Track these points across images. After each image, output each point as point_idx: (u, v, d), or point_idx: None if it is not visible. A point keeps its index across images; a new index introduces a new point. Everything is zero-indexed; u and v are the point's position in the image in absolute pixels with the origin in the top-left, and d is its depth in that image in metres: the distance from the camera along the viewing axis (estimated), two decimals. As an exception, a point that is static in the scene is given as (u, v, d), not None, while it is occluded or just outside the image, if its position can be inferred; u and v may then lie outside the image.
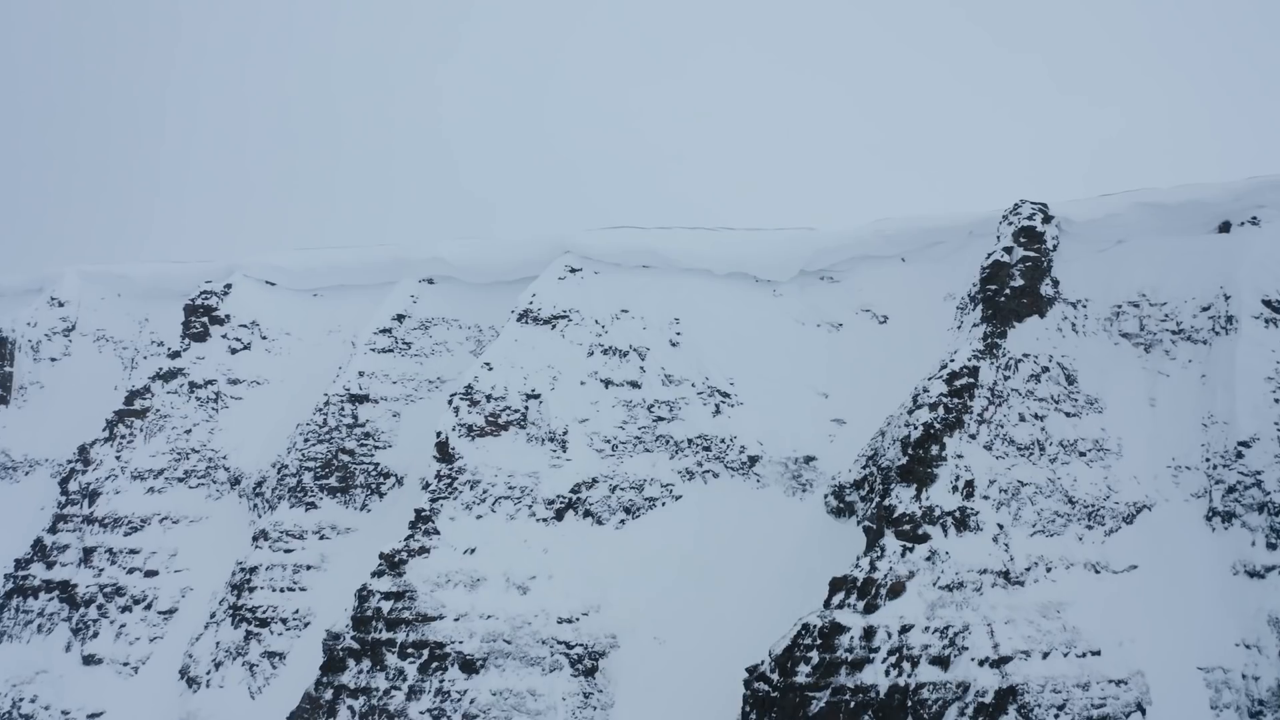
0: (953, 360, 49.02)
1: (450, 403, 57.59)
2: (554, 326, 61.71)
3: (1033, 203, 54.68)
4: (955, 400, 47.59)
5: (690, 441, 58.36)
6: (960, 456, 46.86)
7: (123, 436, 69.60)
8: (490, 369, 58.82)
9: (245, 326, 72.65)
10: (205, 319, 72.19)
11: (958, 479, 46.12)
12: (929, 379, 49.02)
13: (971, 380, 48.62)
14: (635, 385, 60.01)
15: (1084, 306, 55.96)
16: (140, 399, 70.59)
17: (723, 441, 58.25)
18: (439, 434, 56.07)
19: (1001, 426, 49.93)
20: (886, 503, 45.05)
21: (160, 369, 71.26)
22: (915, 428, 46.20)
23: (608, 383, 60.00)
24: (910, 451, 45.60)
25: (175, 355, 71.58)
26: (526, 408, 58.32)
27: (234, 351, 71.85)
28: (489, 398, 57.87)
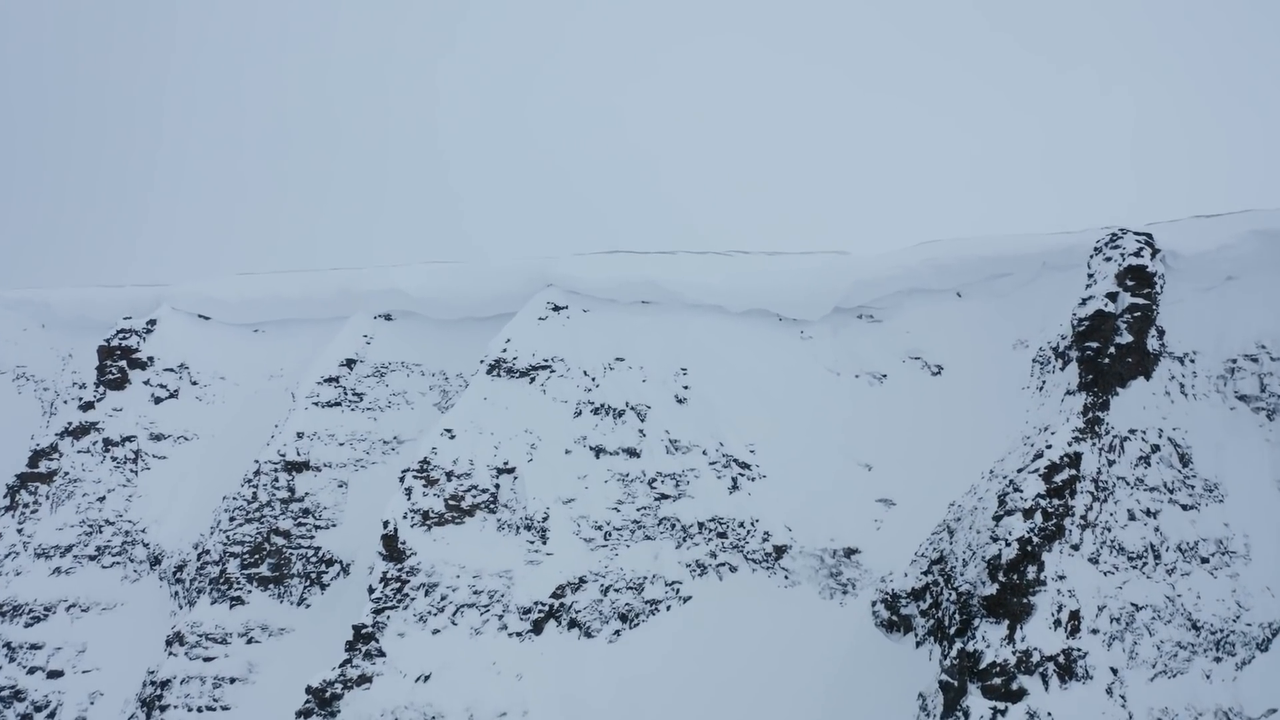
0: (1048, 445, 37.43)
1: (402, 481, 46.16)
2: (533, 380, 50.21)
3: (1136, 233, 42.95)
4: (1056, 501, 36.07)
5: (701, 526, 46.94)
6: (1062, 577, 35.45)
7: (25, 505, 58.32)
8: (451, 437, 47.34)
9: (172, 370, 61.22)
10: (124, 363, 60.76)
11: (1060, 609, 34.76)
12: (1019, 471, 37.42)
13: (1074, 472, 37.10)
14: (633, 454, 48.55)
15: (1192, 362, 44.27)
16: (46, 459, 59.30)
17: (741, 526, 46.80)
18: (386, 523, 44.69)
19: (1108, 530, 38.45)
20: (970, 647, 33.66)
21: (70, 423, 59.88)
22: (1006, 543, 34.66)
23: (599, 451, 48.53)
24: (1001, 578, 34.10)
25: (88, 406, 60.16)
26: (497, 486, 46.88)
27: (158, 401, 60.44)
28: (450, 474, 46.41)
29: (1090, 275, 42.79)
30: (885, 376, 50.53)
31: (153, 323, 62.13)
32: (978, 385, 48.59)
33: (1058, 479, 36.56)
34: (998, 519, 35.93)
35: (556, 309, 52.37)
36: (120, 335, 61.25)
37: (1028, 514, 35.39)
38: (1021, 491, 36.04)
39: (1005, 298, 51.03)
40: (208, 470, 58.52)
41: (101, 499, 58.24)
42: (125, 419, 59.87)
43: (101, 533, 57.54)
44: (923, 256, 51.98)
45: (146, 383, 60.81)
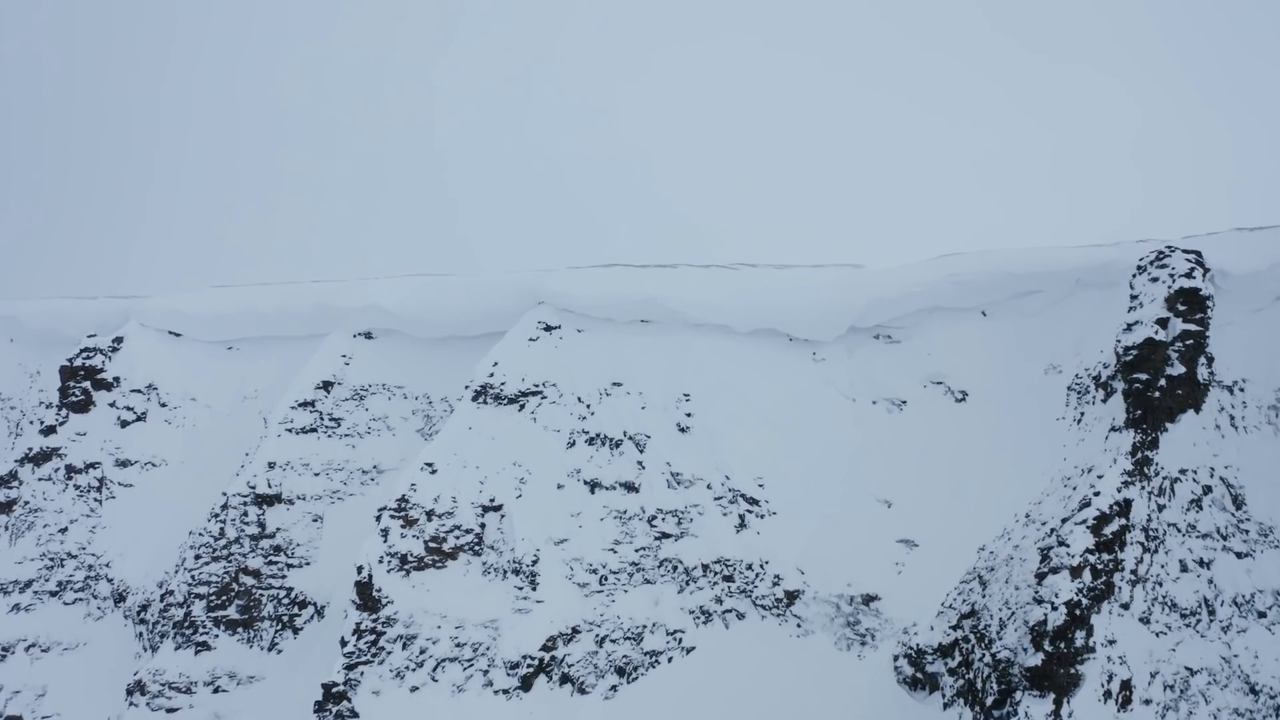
0: (1095, 492, 33.47)
1: (378, 520, 42.25)
2: (522, 407, 46.27)
3: (1185, 251, 38.91)
4: (1105, 556, 32.14)
5: (706, 568, 43.02)
6: (1112, 642, 31.58)
7: (-19, 536, 54.51)
8: (432, 472, 43.41)
9: (140, 391, 57.31)
10: (88, 384, 56.85)
11: (1110, 679, 30.89)
12: (1063, 521, 33.47)
13: (1124, 521, 33.17)
14: (631, 488, 44.63)
15: (1242, 391, 40.33)
16: (6, 488, 55.53)
17: (749, 568, 42.88)
18: (360, 569, 40.77)
19: (1160, 584, 34.54)
20: (1010, 727, 29.78)
21: (30, 449, 56.02)
22: (1052, 606, 30.72)
23: (594, 485, 44.61)
24: (1047, 646, 30.18)
25: (49, 431, 56.24)
26: (483, 525, 42.97)
27: (124, 424, 56.53)
28: (430, 514, 42.49)
29: (1134, 297, 38.80)
30: (905, 403, 46.57)
31: (119, 340, 58.23)
32: (1006, 414, 44.65)
33: (1107, 531, 32.63)
34: (1040, 577, 31.97)
35: (548, 329, 48.41)
36: (84, 354, 57.36)
37: (1075, 572, 31.45)
38: (1068, 546, 32.08)
39: (1034, 317, 47.09)
40: (176, 500, 54.58)
41: (63, 530, 54.41)
42: (89, 444, 56.01)
43: (63, 567, 53.71)
44: (944, 272, 47.99)
45: (112, 405, 56.93)
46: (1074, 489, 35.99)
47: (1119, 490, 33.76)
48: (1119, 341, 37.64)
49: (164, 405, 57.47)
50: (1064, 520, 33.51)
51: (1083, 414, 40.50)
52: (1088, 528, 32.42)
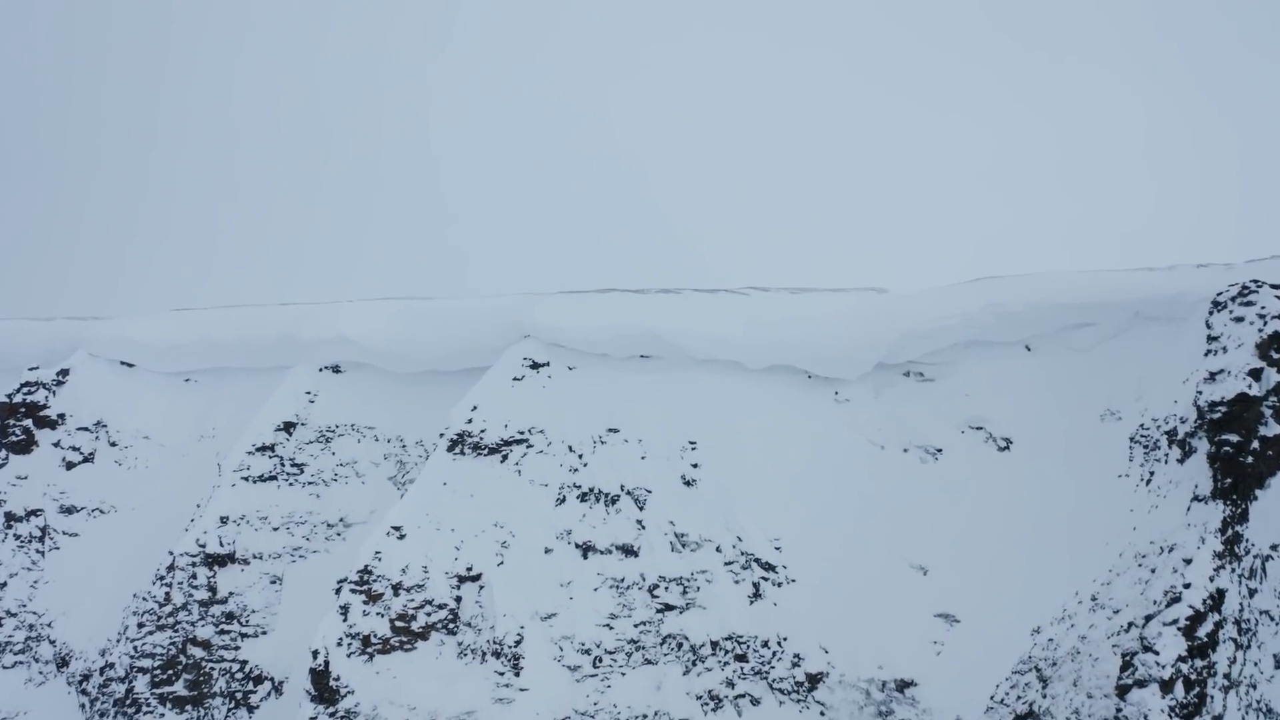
0: (1185, 583, 27.91)
1: (337, 595, 36.79)
2: (505, 458, 40.77)
3: (1274, 286, 33.29)
4: (1199, 663, 26.62)
5: (715, 646, 37.51)
6: (1208, 770, 26.07)
7: (-89, 591, 49.08)
8: (401, 537, 37.92)
9: (87, 430, 51.82)
10: (29, 422, 51.40)
11: (1208, 817, 25.37)
12: (1147, 619, 27.90)
13: (1218, 617, 27.65)
14: (629, 552, 39.14)
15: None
16: (-64, 536, 50.07)
17: (765, 646, 37.37)
18: (315, 654, 35.29)
19: (1253, 686, 28.97)
20: None
21: (-37, 494, 50.60)
22: (1138, 732, 25.20)
23: (587, 549, 39.10)
24: (1135, 788, 24.69)
25: (-15, 473, 50.82)
26: (458, 599, 37.49)
27: (70, 466, 51.07)
28: (398, 587, 37.00)
29: (1214, 338, 33.20)
30: (940, 451, 41.03)
31: (64, 373, 52.78)
32: (1057, 466, 39.13)
33: (1201, 633, 27.12)
34: (1123, 691, 26.43)
35: (535, 367, 42.92)
36: (25, 389, 51.93)
37: (1166, 686, 25.93)
38: (1156, 653, 26.53)
39: (1086, 354, 41.58)
40: (126, 551, 49.08)
41: (2, 585, 48.99)
42: (31, 489, 50.55)
43: (2, 626, 48.30)
44: (983, 300, 42.44)
45: (57, 445, 51.49)
46: (1152, 571, 30.47)
47: (1211, 579, 28.23)
48: (1200, 393, 32.07)
49: (114, 445, 51.99)
50: (1148, 618, 27.96)
51: (1152, 474, 34.94)
52: (1179, 630, 26.89)
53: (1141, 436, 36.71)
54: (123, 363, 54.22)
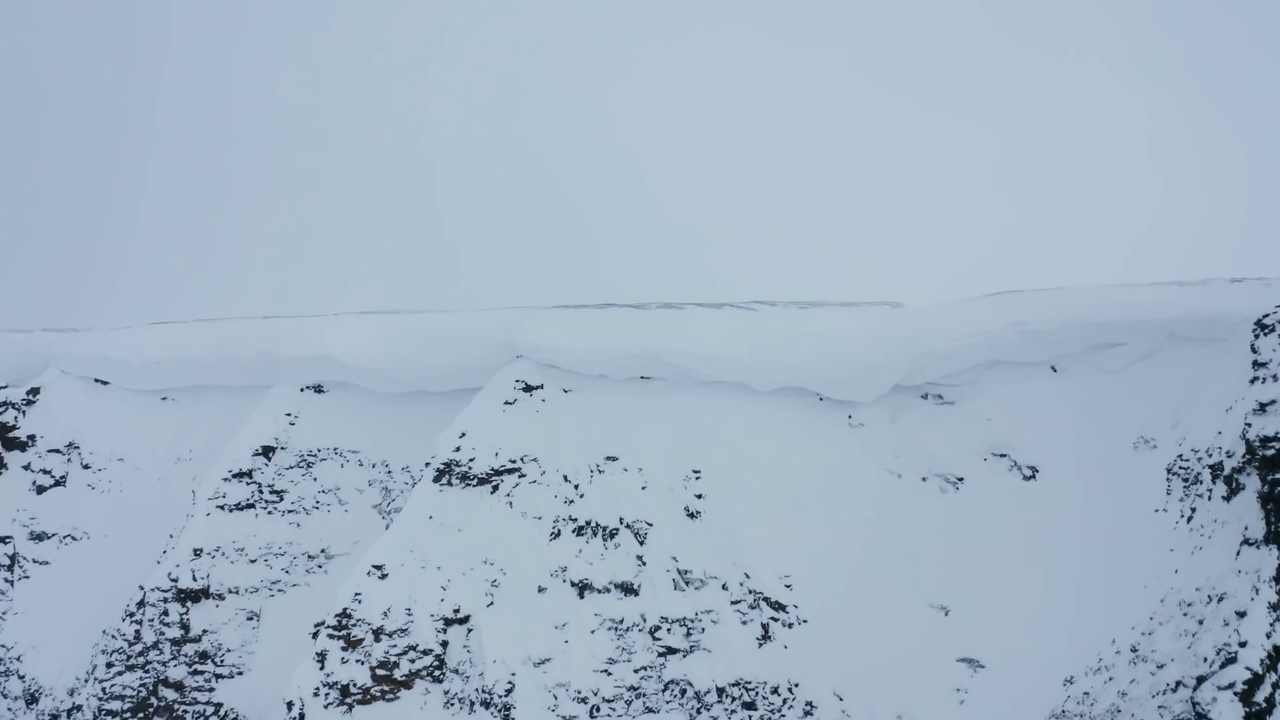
0: (1241, 642, 25.23)
1: (314, 640, 34.16)
2: (495, 489, 38.12)
3: (1331, 305, 30.63)
4: (1259, 737, 23.97)
5: (722, 693, 34.85)
6: None
7: None
8: (382, 576, 35.29)
9: (59, 452, 49.16)
10: (-3, 442, 48.80)
11: None
12: (1200, 682, 25.19)
13: (1276, 678, 24.98)
14: (629, 590, 36.48)
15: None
16: (-102, 564, 47.46)
17: (775, 693, 34.71)
18: (290, 705, 32.67)
19: (1316, 751, 26.30)
20: None
21: (-72, 520, 47.97)
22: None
23: (584, 588, 36.44)
24: None
25: (-49, 498, 48.20)
26: (444, 644, 34.82)
27: (41, 490, 48.44)
28: (379, 631, 34.36)
29: (1261, 364, 30.55)
30: (962, 480, 38.37)
31: (35, 392, 50.16)
32: (1087, 497, 36.48)
33: (1259, 697, 24.47)
34: (1177, 768, 23.83)
35: (528, 390, 40.27)
36: (-8, 408, 49.30)
37: (1226, 764, 23.29)
38: (1213, 724, 23.88)
39: (1116, 376, 38.93)
40: (99, 581, 46.39)
41: (-33, 616, 46.38)
42: (0, 514, 48.00)
43: (-34, 660, 45.69)
44: (1008, 319, 39.74)
45: (27, 468, 48.85)
46: (1199, 623, 27.84)
47: (1268, 635, 25.57)
48: (1249, 426, 29.42)
49: (86, 467, 49.33)
50: (1200, 679, 25.30)
51: (1193, 510, 32.26)
52: (1236, 695, 24.23)
53: (1180, 468, 34.05)
54: (97, 380, 51.57)
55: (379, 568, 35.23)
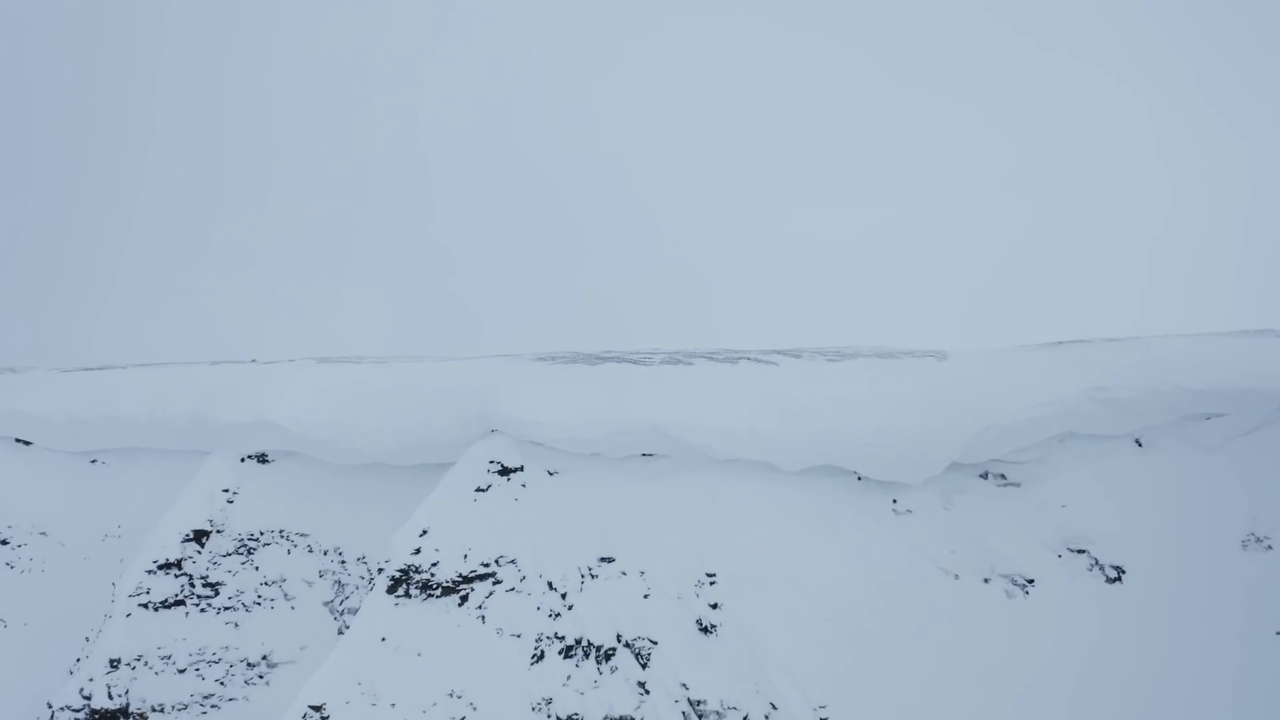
0: None
1: (238, 805, 27.42)
2: (464, 600, 31.35)
3: None
4: None
5: None
6: None
7: None
8: (323, 718, 28.55)
9: (-32, 524, 42.57)
10: (-106, 516, 42.12)
11: None
12: None
13: None
14: (628, 726, 29.77)
15: None
16: None
17: None
18: None
19: None
20: None
21: None
22: None
23: (572, 725, 29.72)
24: None
25: None
26: (401, 805, 28.11)
27: (-53, 570, 41.84)
28: (319, 794, 27.66)
29: None
30: (1031, 583, 31.56)
31: (-58, 455, 43.48)
32: (1186, 607, 29.70)
33: None
34: None
35: (505, 472, 33.44)
36: (-110, 477, 42.61)
37: None
38: None
39: (1215, 454, 32.06)
40: (17, 678, 39.93)
41: None
42: (-103, 600, 41.38)
43: None
44: (1083, 383, 32.85)
45: (-69, 544, 42.24)
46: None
47: None
48: None
49: (4, 543, 42.70)
50: None
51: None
52: None
53: (1319, 586, 27.30)
54: (18, 440, 44.94)
55: (317, 709, 28.47)
